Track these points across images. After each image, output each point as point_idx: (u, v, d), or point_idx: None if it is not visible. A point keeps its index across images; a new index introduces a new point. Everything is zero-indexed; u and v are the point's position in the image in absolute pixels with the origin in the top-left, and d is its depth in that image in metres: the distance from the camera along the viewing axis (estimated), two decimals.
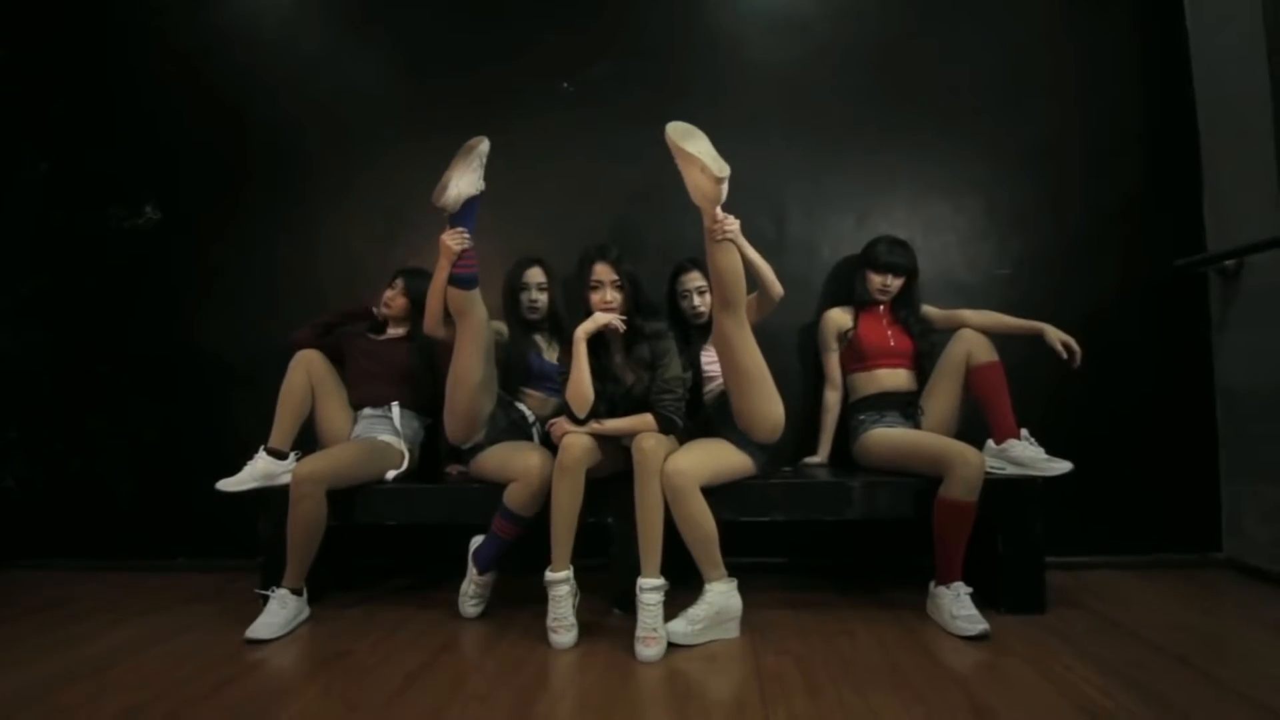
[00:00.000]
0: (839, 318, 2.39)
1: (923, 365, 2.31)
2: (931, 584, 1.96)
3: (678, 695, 1.56)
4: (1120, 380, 2.47)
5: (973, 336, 2.12)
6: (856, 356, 2.33)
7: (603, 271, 2.03)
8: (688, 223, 2.55)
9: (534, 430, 2.23)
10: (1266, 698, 1.46)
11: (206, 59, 2.81)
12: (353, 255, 2.72)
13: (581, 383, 1.95)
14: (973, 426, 2.13)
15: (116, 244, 2.79)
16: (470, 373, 2.02)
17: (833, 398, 2.40)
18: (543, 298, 2.31)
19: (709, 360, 2.22)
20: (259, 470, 2.13)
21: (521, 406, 2.24)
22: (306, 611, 2.06)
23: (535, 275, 2.32)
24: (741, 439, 2.02)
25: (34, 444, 2.80)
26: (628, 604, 2.07)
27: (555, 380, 2.23)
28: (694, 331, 2.30)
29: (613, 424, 1.99)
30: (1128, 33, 2.57)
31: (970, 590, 1.90)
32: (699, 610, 1.86)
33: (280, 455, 2.17)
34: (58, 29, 2.87)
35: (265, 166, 2.77)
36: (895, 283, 2.32)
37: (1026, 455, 1.99)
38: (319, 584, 2.16)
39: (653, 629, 1.78)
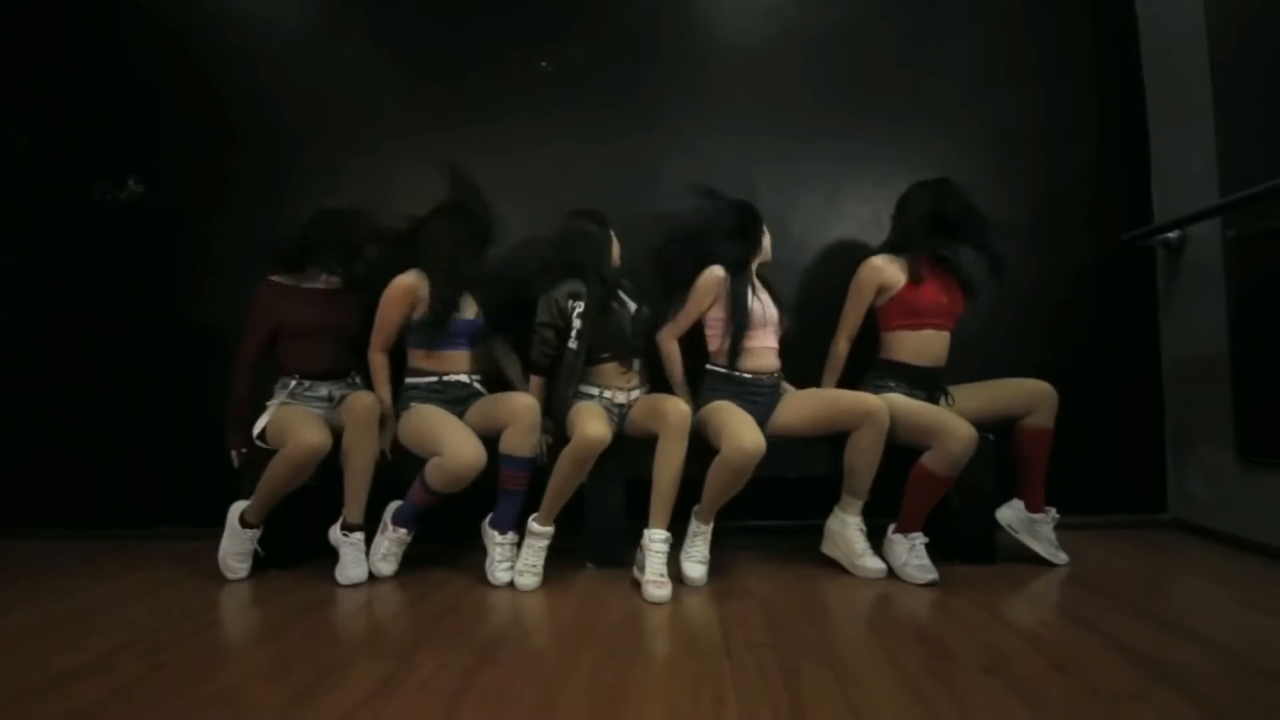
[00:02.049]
0: (888, 271, 2.23)
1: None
2: (890, 529, 2.04)
3: (643, 630, 1.65)
4: (1072, 349, 2.59)
5: (1045, 396, 2.12)
6: (909, 312, 2.21)
7: None
8: (662, 198, 2.67)
9: (475, 386, 2.27)
10: (1193, 625, 1.59)
11: (191, 34, 2.84)
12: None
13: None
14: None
15: (99, 218, 2.82)
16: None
17: (844, 347, 2.29)
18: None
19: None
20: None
21: (456, 378, 2.24)
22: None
23: None
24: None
25: (16, 414, 2.83)
26: (602, 559, 2.17)
27: (462, 337, 2.25)
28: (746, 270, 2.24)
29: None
30: (1082, 20, 2.69)
31: (926, 541, 2.00)
32: (705, 549, 2.02)
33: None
34: (40, 3, 2.89)
35: (250, 141, 2.81)
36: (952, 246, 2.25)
37: (1044, 533, 2.12)
38: (303, 548, 2.23)
39: (661, 573, 1.89)
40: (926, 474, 1.97)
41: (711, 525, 2.04)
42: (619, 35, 2.76)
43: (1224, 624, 1.59)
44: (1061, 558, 2.09)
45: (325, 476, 2.13)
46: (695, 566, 1.98)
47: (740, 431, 1.91)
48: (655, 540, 1.94)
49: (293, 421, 2.05)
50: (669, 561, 1.95)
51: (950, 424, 1.94)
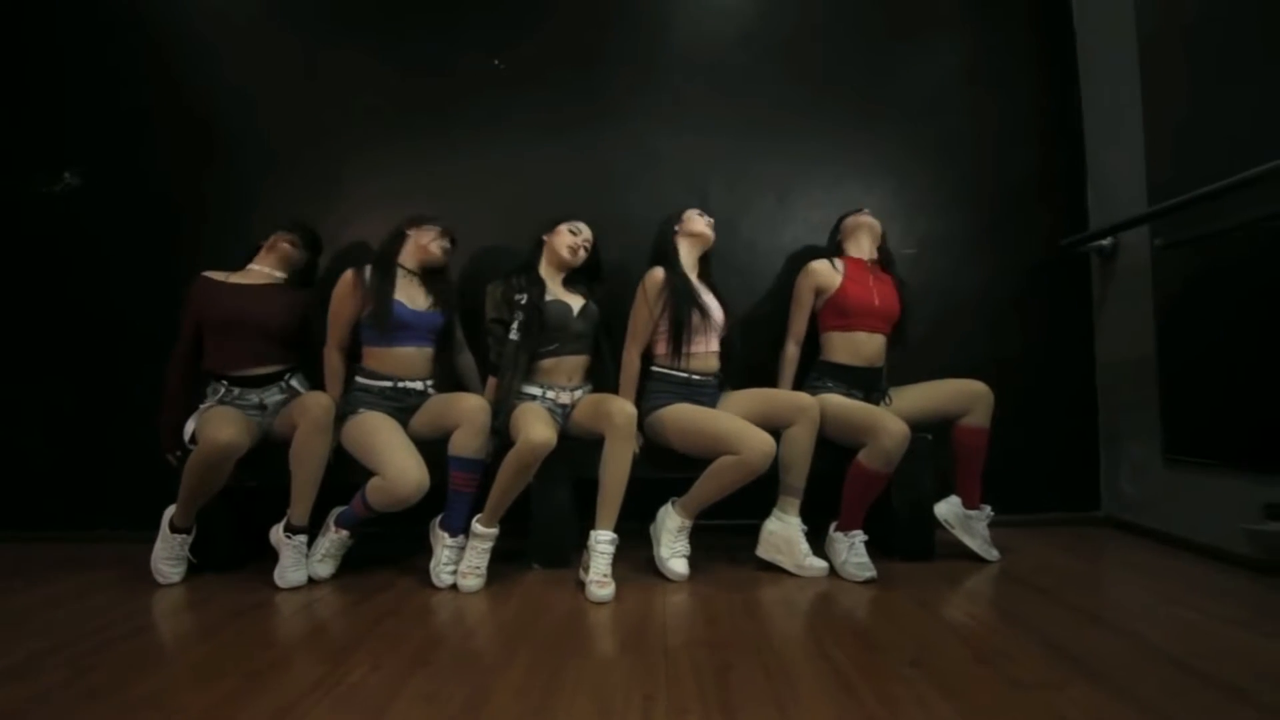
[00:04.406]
0: (824, 273, 2.31)
1: (902, 329, 2.35)
2: (831, 527, 2.08)
3: (583, 630, 1.65)
4: (1011, 351, 2.67)
5: (981, 396, 2.17)
6: (839, 313, 2.28)
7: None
8: (614, 198, 2.68)
9: (429, 393, 2.22)
10: (1114, 619, 1.65)
11: (132, 23, 2.78)
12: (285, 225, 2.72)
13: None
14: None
15: (34, 211, 2.74)
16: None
17: (794, 351, 2.35)
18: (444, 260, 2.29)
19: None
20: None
21: (411, 385, 2.19)
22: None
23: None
24: None
25: None
26: (548, 560, 2.16)
27: (423, 331, 2.21)
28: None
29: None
30: (1022, 33, 2.79)
31: (866, 538, 2.04)
32: (685, 542, 2.08)
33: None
34: None
35: (193, 133, 2.75)
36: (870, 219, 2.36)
37: (978, 529, 2.16)
38: (243, 551, 2.20)
39: (604, 574, 1.90)
40: (862, 470, 2.02)
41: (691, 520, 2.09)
42: (573, 35, 2.76)
43: (1143, 617, 1.65)
44: (993, 554, 2.14)
45: (264, 477, 2.10)
46: (683, 561, 2.04)
47: (754, 434, 1.95)
48: (601, 541, 1.94)
49: (210, 420, 2.02)
50: (615, 561, 1.95)
51: (883, 420, 1.99)
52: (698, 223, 2.28)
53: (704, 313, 2.19)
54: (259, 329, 2.21)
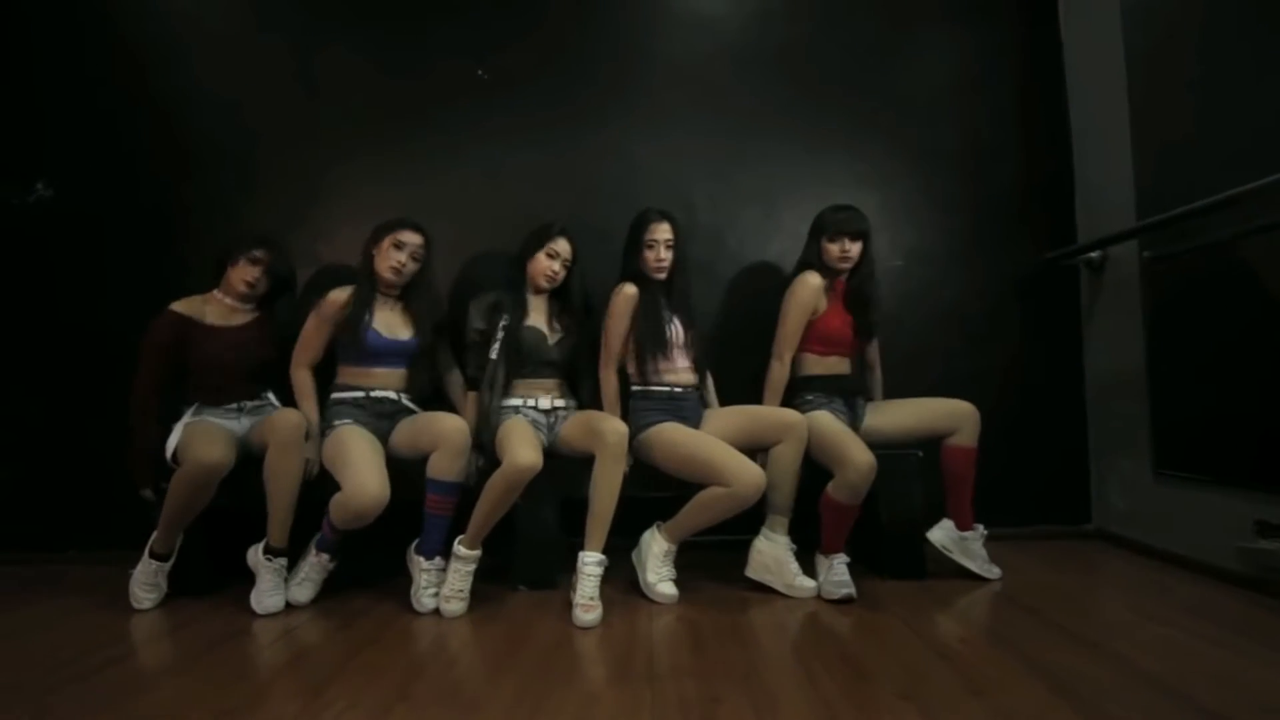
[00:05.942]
0: (820, 291, 2.21)
1: (863, 338, 2.29)
2: (817, 553, 2.06)
3: (568, 658, 1.62)
4: (1000, 364, 2.65)
5: (968, 415, 2.15)
6: (820, 340, 2.23)
7: (661, 231, 2.17)
8: (598, 209, 2.64)
9: (404, 402, 2.19)
10: (1097, 637, 1.64)
11: (102, 30, 2.71)
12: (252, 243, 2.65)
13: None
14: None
15: (4, 223, 2.67)
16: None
17: (783, 372, 2.22)
18: (414, 266, 2.20)
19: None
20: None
21: (384, 394, 2.16)
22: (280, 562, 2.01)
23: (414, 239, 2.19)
24: None
25: None
26: (535, 581, 2.12)
27: (398, 357, 2.18)
28: (655, 285, 2.21)
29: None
30: (1010, 45, 2.77)
31: (848, 561, 2.02)
32: (671, 566, 2.05)
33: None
34: None
35: (163, 144, 2.68)
36: (854, 247, 2.20)
37: (975, 550, 2.14)
38: (222, 573, 2.14)
39: (591, 597, 1.86)
40: (830, 501, 2.01)
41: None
42: (556, 45, 2.73)
43: (1131, 639, 1.63)
44: (994, 572, 2.12)
45: (238, 498, 2.04)
46: (671, 585, 2.01)
47: (745, 467, 1.92)
48: (589, 563, 1.90)
49: (194, 438, 1.98)
50: (602, 579, 1.91)
51: (850, 454, 1.96)
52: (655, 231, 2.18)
53: (664, 334, 2.15)
54: (244, 368, 2.20)
